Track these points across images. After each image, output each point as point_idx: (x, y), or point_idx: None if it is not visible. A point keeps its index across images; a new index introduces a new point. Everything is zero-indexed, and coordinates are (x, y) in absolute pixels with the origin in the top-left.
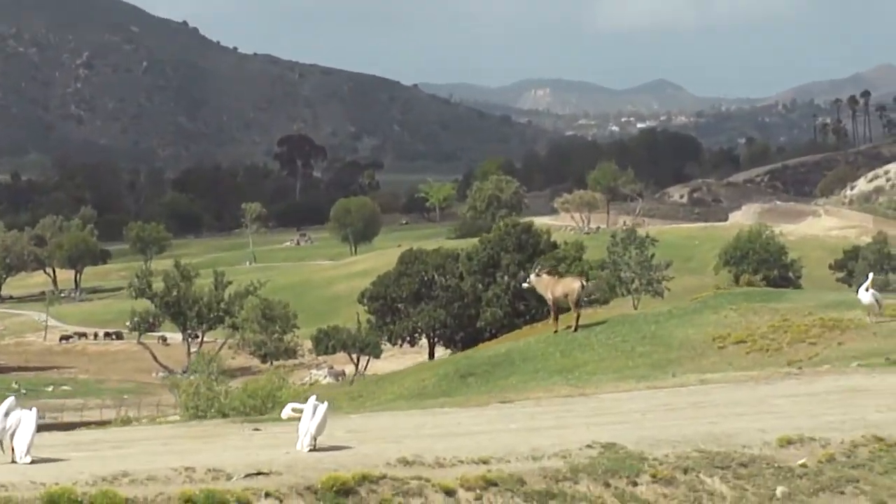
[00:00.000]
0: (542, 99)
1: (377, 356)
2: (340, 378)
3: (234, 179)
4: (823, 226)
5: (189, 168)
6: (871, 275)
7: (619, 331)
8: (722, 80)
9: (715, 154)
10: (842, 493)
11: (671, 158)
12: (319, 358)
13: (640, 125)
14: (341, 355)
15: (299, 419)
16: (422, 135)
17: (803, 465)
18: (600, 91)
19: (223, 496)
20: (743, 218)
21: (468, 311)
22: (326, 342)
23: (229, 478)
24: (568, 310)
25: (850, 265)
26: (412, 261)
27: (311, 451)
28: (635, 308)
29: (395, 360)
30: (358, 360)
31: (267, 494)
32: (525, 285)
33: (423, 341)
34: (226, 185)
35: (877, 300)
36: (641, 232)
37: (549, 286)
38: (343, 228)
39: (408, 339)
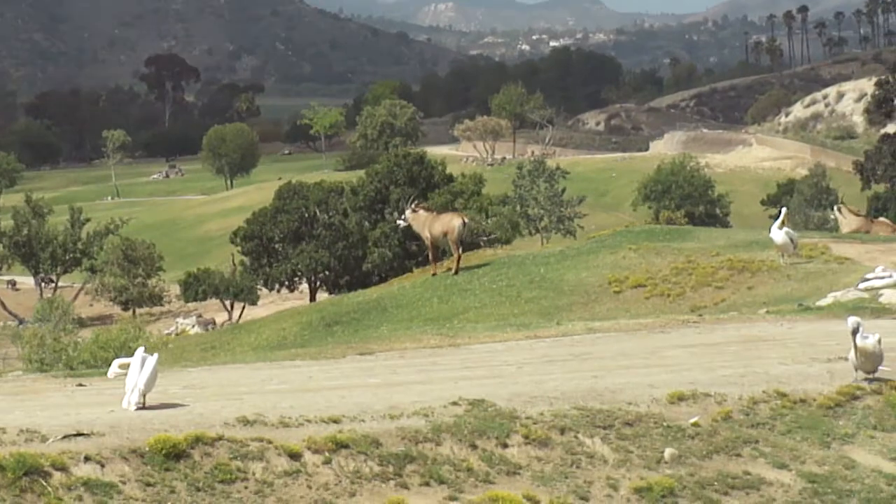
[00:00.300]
0: (443, 14)
1: (253, 303)
2: (210, 327)
3: (96, 104)
4: (755, 156)
5: (45, 91)
6: (784, 209)
7: (504, 274)
8: None
9: (636, 76)
10: (738, 455)
11: (587, 81)
12: (189, 305)
13: (553, 44)
14: (214, 302)
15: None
16: (308, 54)
17: (696, 425)
18: (510, 5)
19: (36, 460)
20: (665, 147)
21: (354, 251)
22: (196, 287)
23: (45, 439)
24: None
25: (784, 200)
26: (291, 196)
27: (139, 409)
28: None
29: (274, 307)
30: (232, 307)
31: (87, 458)
32: (400, 223)
33: (305, 286)
34: (86, 110)
35: (791, 239)
36: (551, 163)
37: (425, 224)
38: (217, 159)
39: (286, 283)
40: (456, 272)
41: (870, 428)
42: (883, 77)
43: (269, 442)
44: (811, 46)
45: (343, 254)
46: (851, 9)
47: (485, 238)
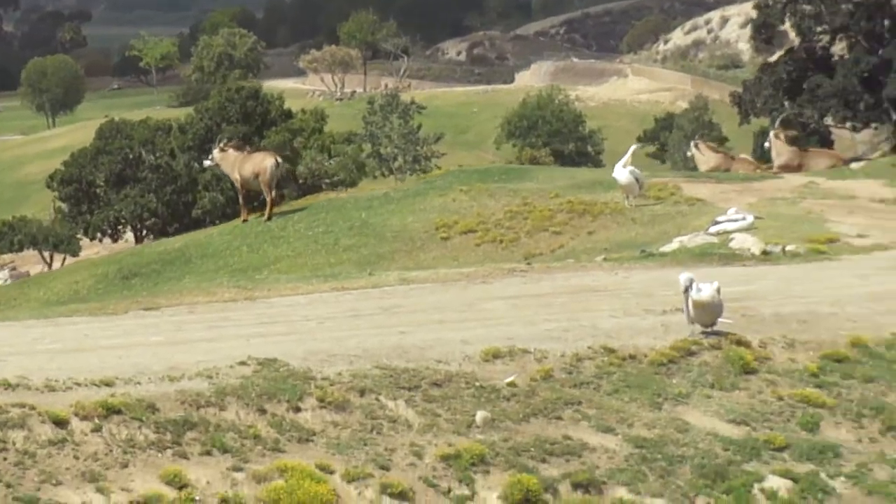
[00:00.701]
0: None
1: (74, 253)
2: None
3: None
4: (631, 88)
5: None
6: (633, 147)
7: (322, 219)
8: None
9: (502, 1)
10: (558, 418)
11: (448, 7)
12: (4, 257)
13: None
14: (34, 253)
15: None
16: None
17: (512, 385)
18: None
19: None
20: (532, 79)
21: (183, 196)
22: (11, 237)
23: None
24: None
25: (662, 136)
26: (113, 135)
27: None
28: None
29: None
30: (51, 258)
31: None
32: (207, 163)
33: (130, 235)
34: None
35: (637, 179)
36: (406, 97)
37: (235, 164)
38: (38, 95)
39: (109, 231)
40: (269, 218)
41: (706, 387)
42: (762, 0)
43: (33, 408)
44: None
45: (171, 199)
46: None
47: (327, 181)
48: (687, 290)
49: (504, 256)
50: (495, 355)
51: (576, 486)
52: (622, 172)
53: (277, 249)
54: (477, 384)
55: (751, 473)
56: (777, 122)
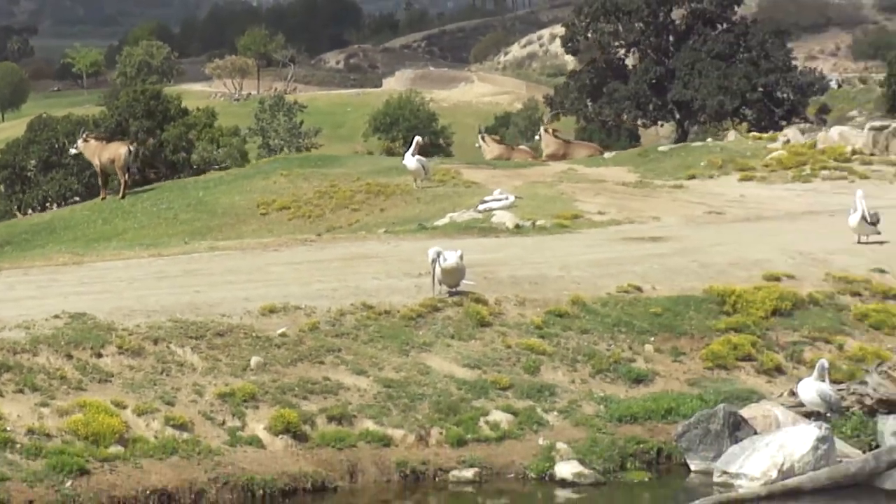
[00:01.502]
0: None
1: None
2: None
3: None
4: (476, 92)
5: None
6: (417, 139)
7: (166, 197)
8: None
9: (375, 19)
10: (321, 362)
11: (329, 25)
12: None
13: None
14: None
15: None
16: None
17: (283, 335)
18: None
19: None
20: (396, 84)
21: (98, 179)
22: None
23: None
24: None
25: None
26: (41, 128)
27: None
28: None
29: None
30: None
31: None
32: (73, 151)
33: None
34: None
35: (423, 165)
36: (291, 98)
37: (95, 152)
38: None
39: (38, 208)
40: (122, 196)
41: (447, 337)
42: (569, 19)
43: None
44: None
45: (90, 181)
46: None
47: (216, 167)
48: (434, 261)
49: (310, 229)
50: (271, 310)
51: (330, 418)
52: (411, 160)
53: (126, 223)
54: (254, 335)
55: (478, 408)
56: (547, 119)
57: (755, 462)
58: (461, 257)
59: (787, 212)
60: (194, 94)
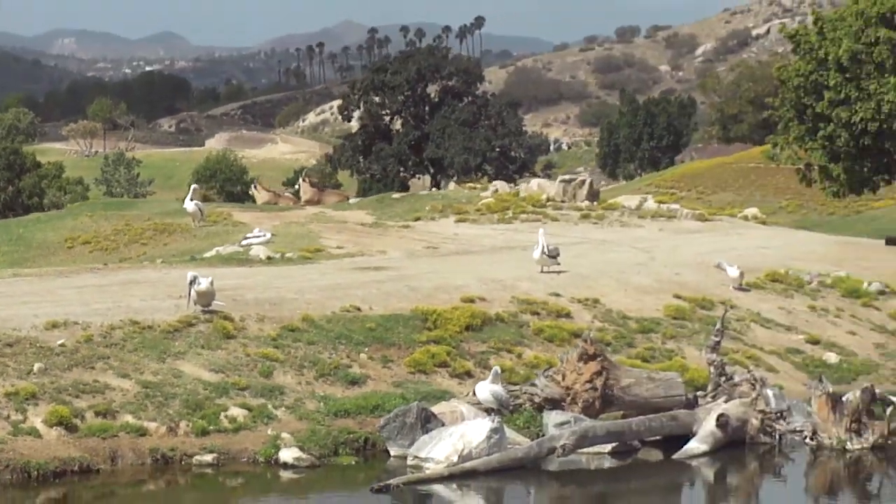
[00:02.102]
0: (69, 46)
1: None
2: None
3: None
4: (279, 150)
5: None
6: (194, 186)
7: None
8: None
9: (202, 92)
10: (92, 367)
11: (166, 96)
12: None
13: (148, 68)
14: None
15: None
16: None
17: (63, 345)
18: (118, 40)
19: None
20: (216, 144)
21: None
22: None
23: None
24: None
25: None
26: None
27: None
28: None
29: None
30: None
31: None
32: None
33: None
34: None
35: (199, 208)
36: (130, 155)
37: None
38: None
39: None
40: None
41: (199, 347)
42: (345, 92)
43: None
44: (328, 71)
45: None
46: (355, 44)
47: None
48: (190, 284)
49: (106, 260)
50: (54, 325)
51: (97, 413)
52: (189, 204)
53: None
54: (38, 345)
55: (220, 405)
56: (304, 172)
57: (440, 448)
58: (212, 283)
59: (490, 247)
60: (54, 151)
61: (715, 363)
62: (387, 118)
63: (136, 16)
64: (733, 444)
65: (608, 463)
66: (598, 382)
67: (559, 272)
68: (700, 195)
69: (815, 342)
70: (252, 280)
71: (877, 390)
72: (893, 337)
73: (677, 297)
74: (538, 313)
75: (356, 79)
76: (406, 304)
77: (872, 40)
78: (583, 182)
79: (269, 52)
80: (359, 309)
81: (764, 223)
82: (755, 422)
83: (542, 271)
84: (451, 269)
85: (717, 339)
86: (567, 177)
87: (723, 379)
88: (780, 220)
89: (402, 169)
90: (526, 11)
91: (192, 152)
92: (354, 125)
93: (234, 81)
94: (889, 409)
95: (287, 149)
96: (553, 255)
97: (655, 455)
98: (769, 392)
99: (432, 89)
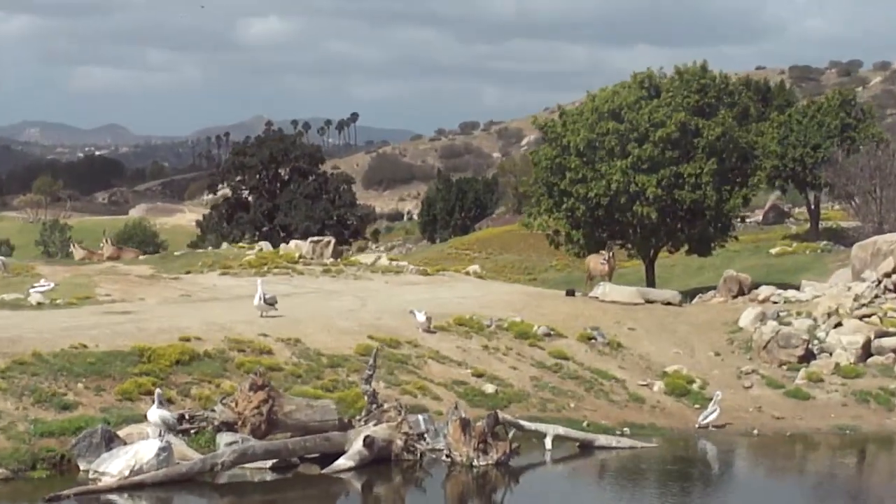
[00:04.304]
0: (34, 134)
1: None
2: None
3: None
4: (187, 218)
5: None
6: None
7: None
8: (155, 123)
9: (133, 171)
10: None
11: (104, 175)
12: None
13: (98, 153)
14: None
15: None
16: None
17: None
18: (74, 130)
19: None
20: (136, 212)
21: None
22: None
23: None
24: None
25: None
26: None
27: None
28: None
29: None
30: None
31: None
32: None
33: None
34: None
35: (3, 263)
36: (63, 221)
37: None
38: None
39: None
40: None
41: None
42: (213, 172)
43: None
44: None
45: None
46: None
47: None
48: None
49: None
50: None
51: None
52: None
53: None
54: None
55: None
56: (105, 234)
57: (116, 464)
58: None
59: (236, 295)
60: (10, 217)
61: (368, 393)
62: (245, 192)
63: (88, 110)
64: (381, 461)
65: (269, 477)
66: (265, 409)
67: (278, 317)
68: (489, 255)
69: (480, 375)
70: (5, 321)
71: (500, 415)
72: (549, 371)
73: (371, 337)
74: (244, 350)
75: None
76: (130, 341)
77: (604, 131)
78: (328, 242)
79: (194, 140)
80: (85, 346)
81: (481, 278)
82: (399, 442)
83: (262, 316)
84: (184, 314)
85: (370, 373)
86: (316, 238)
87: (374, 406)
88: (550, 276)
89: (257, 233)
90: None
91: (117, 220)
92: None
93: (164, 164)
94: (511, 432)
95: (192, 217)
96: (270, 302)
97: (314, 470)
98: (420, 417)
99: (283, 169)
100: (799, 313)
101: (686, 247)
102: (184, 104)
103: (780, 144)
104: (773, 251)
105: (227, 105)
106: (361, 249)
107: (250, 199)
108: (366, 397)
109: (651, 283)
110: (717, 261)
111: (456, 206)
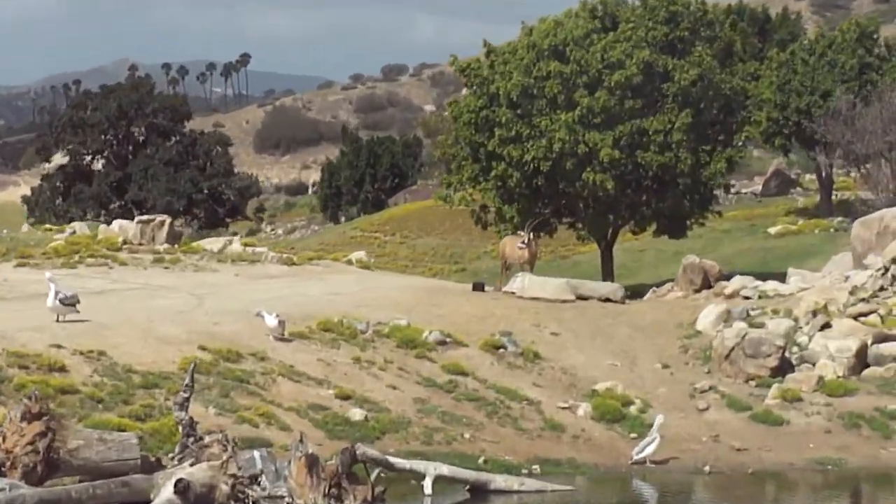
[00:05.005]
0: None
1: None
2: None
3: None
4: (21, 193)
5: None
6: None
7: None
8: None
9: None
10: None
11: None
12: None
13: None
14: None
15: None
16: None
17: None
18: None
19: None
20: None
21: None
22: None
23: None
24: None
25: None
26: None
27: None
28: None
29: None
30: None
31: None
32: None
33: None
34: None
35: None
36: None
37: None
38: None
39: None
40: None
41: None
42: (44, 132)
43: None
44: None
45: None
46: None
47: None
48: None
49: None
50: None
51: None
52: None
53: None
54: None
55: None
56: None
57: None
58: None
59: (30, 294)
60: None
61: (183, 422)
62: (87, 158)
63: None
64: None
65: None
66: (42, 445)
67: (79, 321)
68: (404, 239)
69: (346, 397)
70: None
71: (361, 450)
72: (439, 391)
73: (203, 348)
74: (27, 367)
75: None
76: None
77: (544, 75)
78: (162, 223)
79: (39, 91)
80: None
81: (367, 268)
82: (225, 487)
83: (58, 320)
84: None
85: (186, 395)
86: (145, 217)
87: (192, 439)
88: (483, 266)
89: (103, 212)
90: (300, 45)
91: None
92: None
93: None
94: (375, 472)
95: (28, 191)
96: (69, 302)
97: None
98: (256, 453)
99: (137, 128)
100: (776, 311)
101: (654, 226)
102: (27, 43)
103: (779, 91)
104: (772, 231)
105: (83, 45)
106: (253, 233)
107: (96, 166)
108: (180, 428)
109: (608, 273)
110: (700, 244)
111: (366, 175)
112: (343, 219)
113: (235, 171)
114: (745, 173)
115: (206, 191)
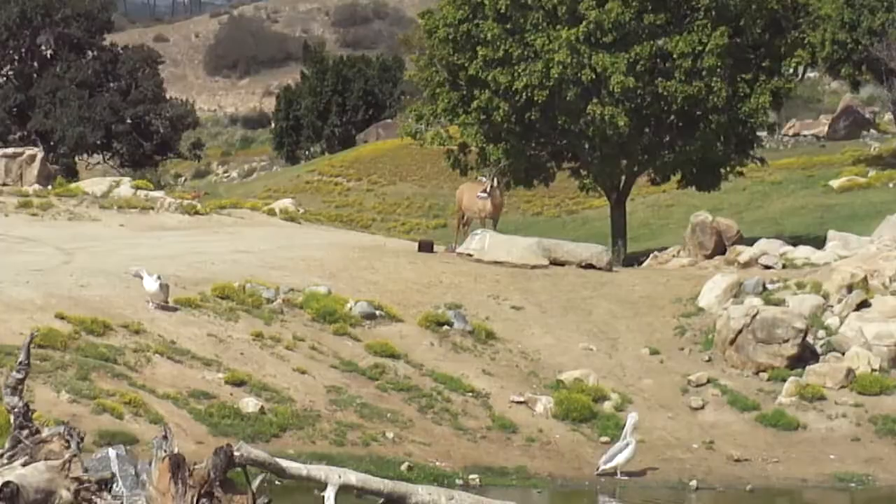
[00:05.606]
0: None
1: None
2: None
3: None
4: None
5: None
6: None
7: None
8: None
9: None
10: None
11: None
12: None
13: None
14: None
15: None
16: None
17: None
18: None
19: None
20: None
21: None
22: None
23: None
24: None
25: None
26: None
27: None
28: None
29: None
30: None
31: None
32: None
33: None
34: None
35: None
36: None
37: None
38: None
39: None
40: None
41: None
42: None
43: None
44: None
45: None
46: None
47: None
48: None
49: None
50: None
51: None
52: None
53: None
54: None
55: None
56: None
57: None
58: None
59: None
60: None
61: (16, 410)
62: None
63: None
64: None
65: None
66: None
67: None
68: (373, 186)
69: (240, 383)
70: None
71: (241, 451)
72: (361, 377)
73: (61, 316)
74: None
75: None
76: None
77: None
78: (33, 158)
79: None
80: None
81: (293, 219)
82: (66, 493)
83: None
84: None
85: (20, 375)
86: (10, 151)
87: (25, 433)
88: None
89: (2, 144)
90: None
91: None
92: None
93: None
94: (259, 479)
95: None
96: None
97: None
98: (110, 452)
99: (43, 39)
100: (801, 285)
101: (678, 175)
102: None
103: (847, 7)
104: (834, 184)
105: None
106: (202, 175)
107: None
108: (12, 418)
109: (619, 233)
110: (743, 199)
111: (333, 105)
112: (303, 158)
113: (168, 96)
114: (813, 110)
115: (128, 120)
